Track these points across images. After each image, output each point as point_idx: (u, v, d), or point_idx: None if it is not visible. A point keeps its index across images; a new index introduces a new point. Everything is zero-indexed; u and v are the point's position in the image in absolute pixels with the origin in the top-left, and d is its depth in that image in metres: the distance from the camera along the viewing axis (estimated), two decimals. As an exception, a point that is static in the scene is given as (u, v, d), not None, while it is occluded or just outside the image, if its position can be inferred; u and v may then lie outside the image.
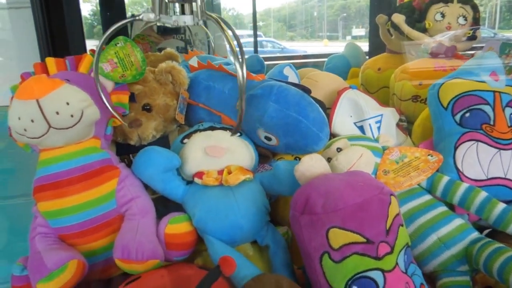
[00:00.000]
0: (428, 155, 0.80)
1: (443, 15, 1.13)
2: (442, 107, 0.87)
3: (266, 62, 1.21)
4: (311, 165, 0.69)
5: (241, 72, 0.70)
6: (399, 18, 1.20)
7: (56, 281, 0.66)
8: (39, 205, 0.74)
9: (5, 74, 1.21)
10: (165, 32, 1.76)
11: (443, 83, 0.88)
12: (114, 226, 0.75)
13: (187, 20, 0.75)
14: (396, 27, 1.24)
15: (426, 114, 1.00)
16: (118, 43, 0.80)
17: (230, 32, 0.72)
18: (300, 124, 0.77)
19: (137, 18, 0.75)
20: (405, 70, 1.15)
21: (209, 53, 2.00)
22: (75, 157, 0.74)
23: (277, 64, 1.08)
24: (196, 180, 0.76)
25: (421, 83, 1.10)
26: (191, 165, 0.77)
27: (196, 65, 1.08)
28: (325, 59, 1.60)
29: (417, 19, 1.18)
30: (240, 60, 0.70)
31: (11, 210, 1.12)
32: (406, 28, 1.18)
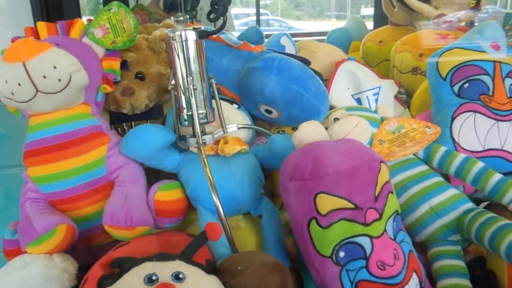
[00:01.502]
0: (426, 127, 0.79)
1: (448, -16, 1.10)
2: (440, 77, 0.85)
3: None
4: (309, 132, 0.68)
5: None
6: (402, -12, 1.16)
7: (45, 244, 0.66)
8: (28, 170, 0.74)
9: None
10: (171, 8, 1.73)
11: (442, 53, 0.86)
12: (104, 192, 0.75)
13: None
14: (400, -2, 1.21)
15: (425, 86, 0.98)
16: (111, 8, 0.78)
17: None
18: (302, 98, 0.77)
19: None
20: (405, 41, 1.12)
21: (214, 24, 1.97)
22: (65, 123, 0.73)
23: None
24: (192, 149, 0.75)
25: (422, 54, 1.07)
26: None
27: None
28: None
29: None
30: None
31: (6, 178, 1.12)
32: (411, 1, 1.14)
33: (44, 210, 0.72)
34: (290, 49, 0.96)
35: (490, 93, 0.81)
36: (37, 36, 0.76)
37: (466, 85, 0.82)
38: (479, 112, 0.80)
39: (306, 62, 0.85)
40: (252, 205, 0.76)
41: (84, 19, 0.83)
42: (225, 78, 0.82)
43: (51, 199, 0.74)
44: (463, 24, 1.10)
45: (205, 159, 0.66)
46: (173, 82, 0.83)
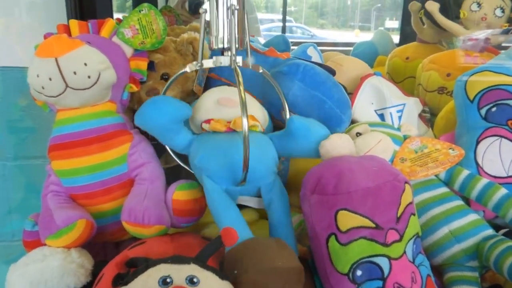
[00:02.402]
0: (450, 148, 0.78)
1: (479, 5, 1.08)
2: (468, 99, 0.84)
3: (294, 47, 1.18)
4: (339, 144, 0.68)
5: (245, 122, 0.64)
6: (433, 6, 1.15)
7: (64, 238, 0.67)
8: (52, 164, 0.75)
9: (33, 35, 1.23)
10: (196, 11, 1.75)
11: (471, 75, 0.84)
12: (125, 189, 0.76)
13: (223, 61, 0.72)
14: (429, 15, 1.20)
15: (450, 106, 0.97)
16: (142, 10, 0.79)
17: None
18: (324, 105, 0.76)
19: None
20: (433, 60, 1.11)
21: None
22: (90, 119, 0.74)
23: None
24: (204, 125, 0.72)
25: (449, 74, 1.06)
26: (202, 113, 0.73)
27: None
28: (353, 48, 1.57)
29: (452, 7, 1.13)
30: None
31: (29, 169, 1.14)
32: (440, 18, 1.13)
33: (65, 204, 0.74)
34: (316, 60, 0.96)
35: (518, 119, 0.79)
36: (69, 34, 0.78)
37: (493, 109, 0.81)
38: (506, 138, 0.78)
39: (331, 72, 0.85)
40: (264, 180, 0.71)
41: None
42: (250, 83, 0.82)
43: (72, 193, 0.75)
44: (493, 45, 1.08)
45: (239, 75, 0.65)
46: (196, 82, 0.83)
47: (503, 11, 1.07)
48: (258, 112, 0.76)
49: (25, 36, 1.26)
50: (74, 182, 0.74)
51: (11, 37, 1.29)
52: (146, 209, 0.69)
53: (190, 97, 0.89)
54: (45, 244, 0.68)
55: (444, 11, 1.14)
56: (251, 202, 0.75)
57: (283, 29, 3.25)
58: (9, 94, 1.17)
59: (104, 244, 0.83)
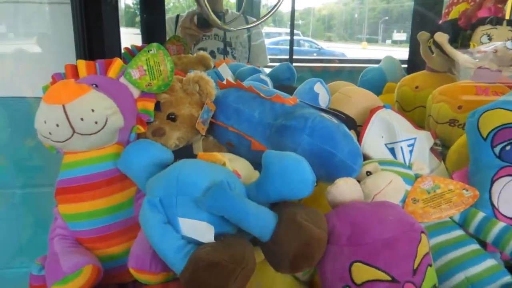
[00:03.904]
0: (463, 189, 0.76)
1: (490, 38, 1.07)
2: (481, 137, 0.82)
3: (302, 64, 1.18)
4: (345, 189, 0.67)
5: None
6: (442, 38, 1.14)
7: (70, 285, 0.66)
8: (59, 207, 0.75)
9: (43, 65, 1.25)
10: (205, 25, 1.75)
11: (483, 112, 0.83)
12: (132, 233, 0.74)
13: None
14: (438, 45, 1.19)
15: (463, 140, 0.95)
16: (150, 50, 0.79)
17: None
18: (334, 158, 0.74)
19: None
20: (443, 91, 1.09)
21: (249, 56, 1.98)
22: (97, 162, 0.74)
23: (311, 66, 1.04)
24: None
25: (461, 106, 1.04)
26: None
27: (225, 72, 1.06)
28: (362, 65, 1.56)
29: (461, 39, 1.12)
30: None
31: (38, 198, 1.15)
32: (449, 49, 1.12)
33: (72, 248, 0.73)
34: (323, 96, 0.94)
35: (533, 159, 0.77)
36: (76, 74, 0.78)
37: (508, 148, 0.79)
38: (521, 178, 0.76)
39: (341, 118, 0.83)
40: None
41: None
42: (257, 131, 0.81)
43: (79, 237, 0.75)
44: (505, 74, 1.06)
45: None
46: (200, 120, 0.82)
47: (514, 43, 1.06)
48: (243, 170, 0.73)
49: (35, 67, 1.28)
50: (81, 226, 0.74)
51: (22, 67, 1.31)
52: (153, 256, 0.67)
53: (197, 135, 0.88)
54: (51, 291, 0.67)
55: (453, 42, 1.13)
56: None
57: (291, 43, 3.24)
58: (19, 123, 1.18)
59: (108, 285, 0.82)
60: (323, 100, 0.93)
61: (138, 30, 1.94)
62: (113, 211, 0.74)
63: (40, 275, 0.74)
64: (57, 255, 0.71)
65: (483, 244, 0.76)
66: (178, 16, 1.92)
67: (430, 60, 1.29)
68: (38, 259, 0.76)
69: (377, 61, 1.59)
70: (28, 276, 0.76)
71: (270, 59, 2.15)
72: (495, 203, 0.77)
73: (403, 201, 0.77)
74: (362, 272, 0.56)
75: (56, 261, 0.70)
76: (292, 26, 3.25)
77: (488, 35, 1.07)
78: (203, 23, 1.72)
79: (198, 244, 0.60)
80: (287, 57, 2.60)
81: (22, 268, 1.12)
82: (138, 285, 0.71)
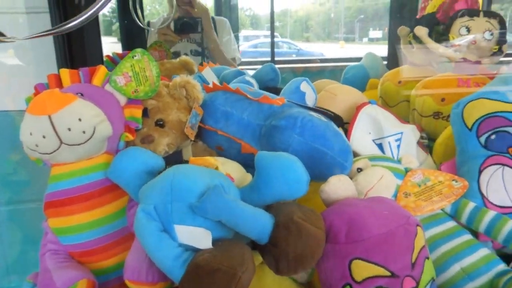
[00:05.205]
0: (453, 180, 0.77)
1: (468, 29, 1.09)
2: (466, 127, 0.83)
3: (283, 66, 1.18)
4: (339, 187, 0.67)
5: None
6: (422, 31, 1.16)
7: (64, 301, 0.65)
8: (49, 221, 0.73)
9: (23, 77, 1.22)
10: (182, 31, 1.75)
11: (467, 103, 0.84)
12: (125, 244, 0.73)
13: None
14: (418, 39, 1.20)
15: (448, 132, 0.97)
16: (135, 56, 0.78)
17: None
18: (326, 157, 0.75)
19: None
20: (426, 85, 1.11)
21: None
22: (86, 173, 0.72)
23: (293, 67, 1.04)
24: None
25: (444, 99, 1.06)
26: None
27: (210, 76, 1.05)
28: (343, 63, 1.57)
29: (440, 32, 1.14)
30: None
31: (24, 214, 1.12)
32: (429, 42, 1.14)
33: (65, 263, 0.71)
34: (310, 95, 0.95)
35: (519, 146, 0.79)
36: (60, 83, 0.76)
37: (493, 137, 0.80)
38: (508, 166, 0.78)
39: (329, 116, 0.84)
40: None
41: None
42: (247, 133, 0.81)
43: (71, 250, 0.73)
44: (485, 66, 1.08)
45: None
46: (188, 125, 0.81)
47: (491, 34, 1.08)
48: (236, 173, 0.73)
49: (15, 80, 1.25)
50: (72, 240, 0.72)
51: (1, 80, 1.28)
52: (150, 266, 0.66)
53: (186, 140, 0.88)
54: (45, 310, 0.65)
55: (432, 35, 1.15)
56: None
57: (272, 44, 3.23)
58: (2, 138, 1.15)
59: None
60: (310, 99, 0.93)
61: (115, 39, 1.92)
62: (106, 222, 0.72)
63: (32, 293, 0.72)
64: (49, 271, 0.69)
65: (475, 233, 0.77)
66: (149, 22, 1.91)
67: (411, 54, 1.31)
68: (29, 276, 0.74)
69: (357, 59, 1.61)
70: (18, 295, 0.74)
71: (250, 61, 2.14)
72: (484, 192, 0.78)
73: (395, 195, 0.77)
74: (362, 269, 0.56)
75: (49, 278, 0.68)
76: (272, 28, 3.26)
77: (467, 27, 1.09)
78: (180, 30, 1.72)
79: (195, 250, 0.59)
80: (269, 59, 2.62)
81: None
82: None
